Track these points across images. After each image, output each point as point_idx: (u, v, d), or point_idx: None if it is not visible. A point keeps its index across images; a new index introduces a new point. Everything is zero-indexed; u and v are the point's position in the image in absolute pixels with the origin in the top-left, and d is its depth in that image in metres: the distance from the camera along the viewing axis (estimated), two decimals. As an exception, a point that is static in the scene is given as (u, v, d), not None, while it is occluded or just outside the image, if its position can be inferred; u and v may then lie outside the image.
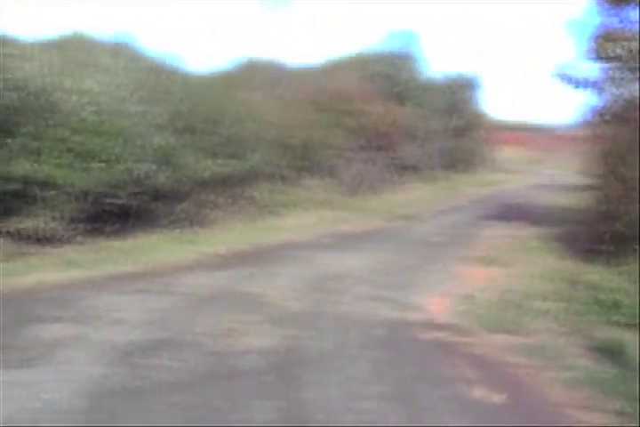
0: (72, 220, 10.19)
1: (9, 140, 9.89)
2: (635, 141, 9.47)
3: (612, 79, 11.96)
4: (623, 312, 6.72)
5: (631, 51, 11.35)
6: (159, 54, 15.07)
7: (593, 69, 12.63)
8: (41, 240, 9.81)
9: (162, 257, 9.98)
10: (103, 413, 4.20)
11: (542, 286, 8.28)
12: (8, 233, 9.60)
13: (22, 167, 9.80)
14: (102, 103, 11.16)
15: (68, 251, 9.87)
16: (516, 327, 6.44)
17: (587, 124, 12.76)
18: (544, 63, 68.57)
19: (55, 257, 9.51)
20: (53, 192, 10.05)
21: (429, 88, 27.62)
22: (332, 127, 19.30)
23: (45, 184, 9.98)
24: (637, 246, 8.59)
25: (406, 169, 23.60)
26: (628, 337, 5.96)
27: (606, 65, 12.14)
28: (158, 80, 12.94)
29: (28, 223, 9.74)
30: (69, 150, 10.41)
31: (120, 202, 10.76)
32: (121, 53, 13.15)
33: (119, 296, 7.46)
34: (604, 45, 11.71)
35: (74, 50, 12.56)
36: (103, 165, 10.59)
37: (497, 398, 4.61)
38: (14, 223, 9.68)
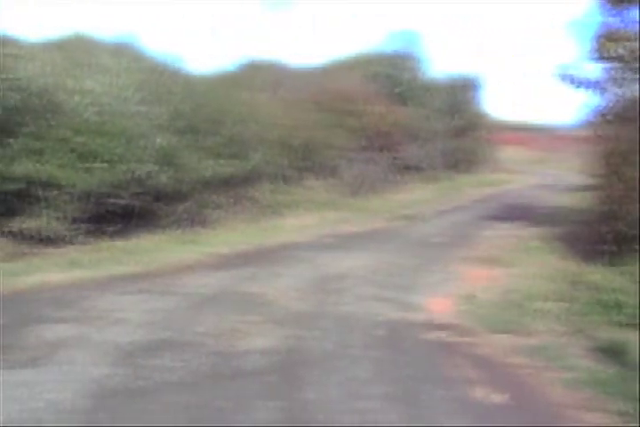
0: (74, 220, 10.22)
1: (11, 141, 9.93)
2: (636, 141, 9.46)
3: (614, 79, 11.94)
4: (625, 312, 6.70)
5: (633, 51, 11.34)
6: (161, 55, 15.14)
7: (595, 69, 12.61)
8: (43, 240, 9.84)
9: (164, 257, 9.99)
10: (106, 413, 4.20)
11: (544, 286, 8.27)
12: (11, 233, 9.64)
13: (25, 167, 9.83)
14: (104, 104, 11.19)
15: (71, 251, 9.89)
16: (518, 327, 6.43)
17: (588, 124, 12.74)
18: (546, 63, 68.56)
19: (58, 257, 9.53)
20: (56, 192, 10.08)
21: (431, 88, 27.64)
22: (334, 127, 19.32)
23: (48, 184, 10.01)
24: (639, 246, 8.59)
25: (408, 169, 23.61)
26: (629, 337, 5.95)
27: (608, 65, 12.12)
28: (160, 80, 12.97)
29: (30, 223, 9.77)
30: (71, 151, 10.44)
31: (122, 202, 10.79)
32: (123, 54, 13.18)
33: (122, 296, 7.48)
34: (606, 45, 11.69)
35: (76, 50, 12.60)
36: (105, 165, 10.62)
37: (499, 398, 4.61)
38: (17, 223, 9.72)
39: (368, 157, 20.50)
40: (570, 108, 44.30)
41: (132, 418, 4.13)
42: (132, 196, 10.94)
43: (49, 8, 44.80)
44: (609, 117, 11.53)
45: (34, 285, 7.87)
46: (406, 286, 8.50)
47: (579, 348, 5.85)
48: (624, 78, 11.75)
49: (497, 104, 77.22)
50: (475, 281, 8.73)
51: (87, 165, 10.48)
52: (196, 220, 12.59)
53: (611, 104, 11.85)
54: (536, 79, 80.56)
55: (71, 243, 10.12)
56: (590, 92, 12.54)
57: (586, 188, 12.34)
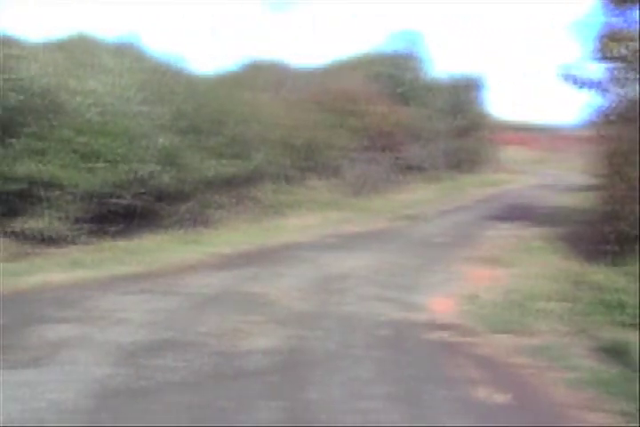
0: (76, 220, 10.23)
1: (14, 141, 9.93)
2: (639, 141, 9.45)
3: (617, 79, 11.92)
4: (628, 312, 6.69)
5: (636, 51, 11.32)
6: (163, 55, 15.15)
7: (597, 70, 12.59)
8: (46, 240, 9.85)
9: (166, 257, 10.00)
10: (108, 413, 4.20)
11: (547, 286, 8.26)
12: (13, 233, 9.65)
13: (27, 168, 9.83)
14: (106, 104, 11.20)
15: (73, 251, 9.91)
16: (521, 327, 6.42)
17: (591, 124, 12.73)
18: (548, 63, 68.66)
19: (60, 257, 9.54)
20: (58, 192, 10.09)
21: (433, 88, 27.65)
22: (337, 128, 19.33)
23: (50, 184, 10.02)
24: (641, 246, 8.59)
25: (410, 169, 23.61)
26: (632, 337, 5.93)
27: (611, 65, 12.10)
28: (162, 81, 12.97)
29: (32, 224, 9.79)
30: (74, 151, 10.45)
31: (124, 202, 10.80)
32: (125, 54, 13.18)
33: (124, 296, 7.48)
34: (609, 46, 11.67)
35: (78, 50, 12.60)
36: (108, 165, 10.63)
37: (501, 398, 4.61)
38: (19, 223, 9.73)
39: (370, 157, 20.50)
40: (572, 108, 44.39)
41: (135, 418, 4.13)
42: (135, 196, 10.95)
43: (51, 8, 44.93)
44: (611, 117, 11.51)
45: (36, 285, 7.88)
46: (409, 285, 8.49)
47: (581, 348, 5.84)
48: (627, 78, 11.73)
49: (499, 104, 77.20)
50: (477, 281, 8.72)
51: (89, 165, 10.48)
52: (198, 220, 12.60)
53: (613, 104, 11.83)
54: (538, 79, 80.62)
55: (73, 243, 10.13)
56: (593, 92, 12.53)
57: (588, 188, 12.33)
